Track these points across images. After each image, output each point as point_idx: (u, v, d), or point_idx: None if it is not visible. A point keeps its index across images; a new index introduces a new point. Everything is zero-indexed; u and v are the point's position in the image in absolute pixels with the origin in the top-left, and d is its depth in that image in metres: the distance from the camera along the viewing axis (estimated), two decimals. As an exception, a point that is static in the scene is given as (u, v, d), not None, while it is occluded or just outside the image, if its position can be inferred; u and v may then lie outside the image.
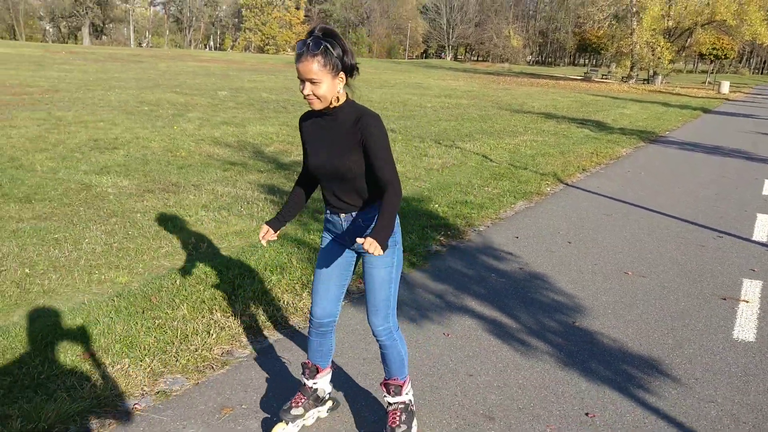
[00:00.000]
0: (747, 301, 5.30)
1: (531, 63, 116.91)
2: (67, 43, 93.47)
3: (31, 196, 7.10)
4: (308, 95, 2.65)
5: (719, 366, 4.13)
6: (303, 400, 3.17)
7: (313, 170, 2.88)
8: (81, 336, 3.92)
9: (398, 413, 3.10)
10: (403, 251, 5.86)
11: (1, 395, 3.25)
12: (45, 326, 4.04)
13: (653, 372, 3.99)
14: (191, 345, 3.94)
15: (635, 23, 52.17)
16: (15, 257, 5.27)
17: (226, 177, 8.70)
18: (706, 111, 27.98)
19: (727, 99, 39.55)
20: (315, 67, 2.57)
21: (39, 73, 25.04)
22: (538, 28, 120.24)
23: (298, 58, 2.60)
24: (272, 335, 4.25)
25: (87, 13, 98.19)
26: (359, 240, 2.57)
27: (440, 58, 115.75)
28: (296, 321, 4.44)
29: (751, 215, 8.36)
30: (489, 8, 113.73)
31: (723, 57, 61.12)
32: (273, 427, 3.14)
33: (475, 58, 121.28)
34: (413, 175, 9.52)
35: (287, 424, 3.13)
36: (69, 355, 3.69)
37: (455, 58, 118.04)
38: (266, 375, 3.73)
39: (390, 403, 3.13)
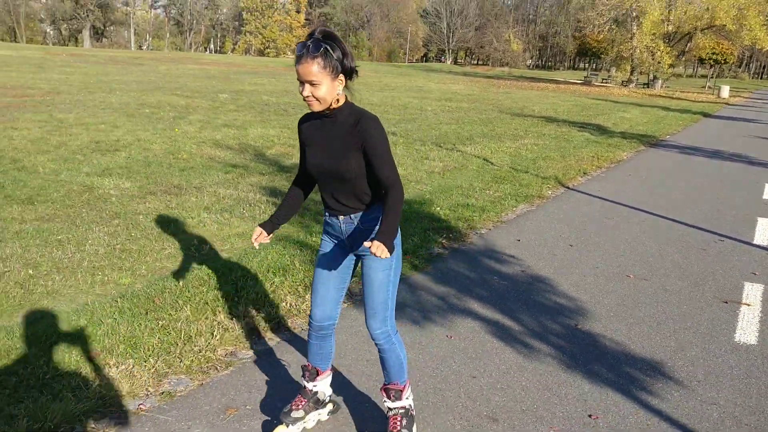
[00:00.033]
0: (748, 305, 5.31)
1: (531, 67, 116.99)
2: (67, 45, 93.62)
3: (34, 197, 7.11)
4: (307, 97, 2.65)
5: (721, 368, 4.14)
6: (303, 403, 3.17)
7: (311, 171, 2.89)
8: (85, 337, 3.93)
9: (399, 418, 3.10)
10: (406, 254, 5.90)
11: (7, 395, 3.26)
12: (49, 327, 4.05)
13: (656, 374, 4.01)
14: (195, 346, 3.95)
15: (635, 27, 52.26)
16: (18, 258, 5.28)
17: (227, 179, 8.72)
18: (706, 115, 28.02)
19: (727, 103, 39.58)
20: (315, 69, 2.58)
21: (40, 75, 25.08)
22: (539, 32, 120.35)
23: (298, 60, 2.61)
24: (275, 337, 4.26)
25: (88, 15, 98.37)
26: (366, 243, 2.59)
27: (440, 61, 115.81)
28: (299, 323, 4.46)
29: (752, 219, 8.38)
30: (489, 12, 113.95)
31: (723, 62, 61.26)
32: (273, 429, 3.14)
33: (475, 62, 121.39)
34: (414, 178, 9.54)
35: (287, 426, 3.13)
36: (73, 355, 3.71)
37: (455, 62, 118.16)
38: (270, 376, 3.74)
39: (390, 408, 3.12)
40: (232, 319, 4.36)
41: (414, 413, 3.20)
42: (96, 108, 15.46)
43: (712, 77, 71.67)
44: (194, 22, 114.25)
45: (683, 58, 58.40)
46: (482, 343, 4.33)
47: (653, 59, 51.21)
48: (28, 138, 10.66)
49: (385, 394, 3.13)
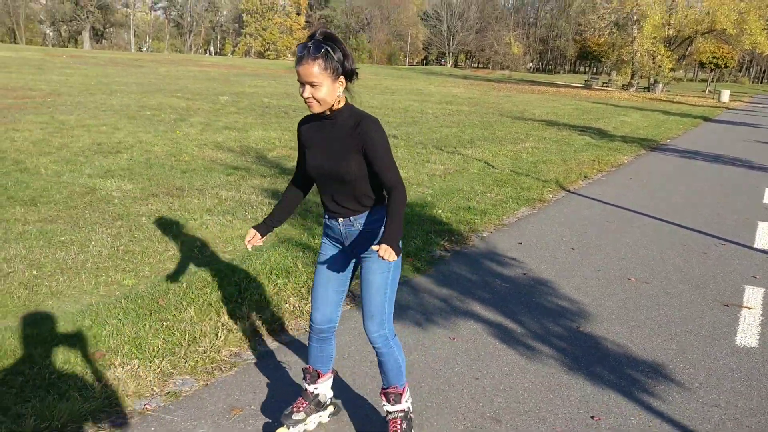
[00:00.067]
0: (749, 308, 5.33)
1: (531, 70, 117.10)
2: (67, 47, 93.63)
3: (37, 199, 7.13)
4: (308, 98, 2.66)
5: (722, 371, 4.17)
6: (304, 405, 3.18)
7: (311, 173, 2.90)
8: (90, 337, 3.95)
9: (398, 422, 3.10)
10: (408, 256, 5.92)
11: (14, 394, 3.29)
12: (54, 327, 4.07)
13: (657, 376, 4.03)
14: (199, 347, 3.97)
15: (636, 31, 52.30)
16: (22, 259, 5.30)
17: (229, 181, 8.74)
18: (706, 119, 28.05)
19: (727, 108, 39.63)
20: (315, 70, 2.59)
21: (40, 76, 25.11)
22: (539, 36, 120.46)
23: (299, 61, 2.62)
24: (279, 338, 4.29)
25: (88, 17, 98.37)
26: (373, 247, 2.60)
27: (440, 64, 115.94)
28: (303, 324, 4.48)
29: (752, 223, 8.40)
30: (490, 15, 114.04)
31: (723, 66, 61.34)
32: (275, 431, 3.16)
33: (476, 65, 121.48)
34: (416, 181, 9.56)
35: (288, 428, 3.14)
36: (79, 355, 3.73)
37: (455, 65, 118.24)
38: (274, 377, 3.76)
39: (389, 412, 3.13)
40: (236, 320, 4.38)
41: (413, 416, 3.21)
42: (97, 110, 15.49)
43: (712, 81, 71.74)
44: (194, 24, 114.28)
45: (684, 62, 58.40)
46: (485, 345, 4.36)
47: (654, 63, 51.25)
48: (29, 139, 10.68)
49: (384, 398, 3.13)
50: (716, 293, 5.65)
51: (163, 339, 4.01)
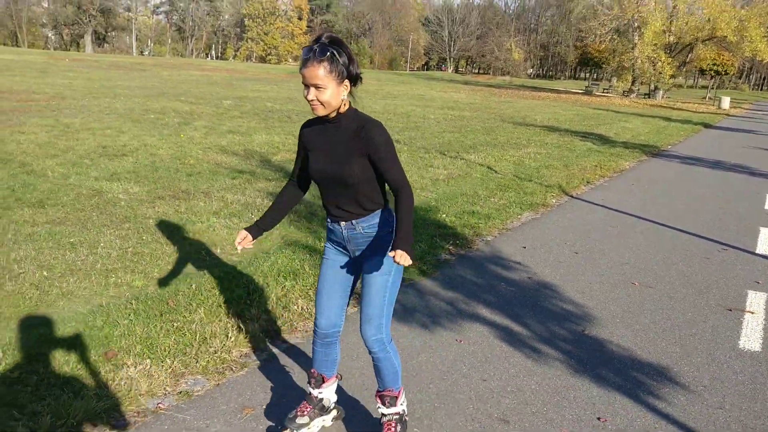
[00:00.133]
0: (752, 312, 5.38)
1: (532, 76, 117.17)
2: (69, 50, 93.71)
3: (44, 201, 7.18)
4: (312, 100, 2.68)
5: (726, 374, 4.21)
6: (308, 410, 3.18)
7: (314, 176, 2.91)
8: (102, 337, 4.00)
9: (393, 424, 3.11)
10: (414, 259, 5.96)
11: (29, 392, 3.33)
12: (66, 327, 4.12)
13: (662, 379, 4.08)
14: (210, 347, 4.02)
15: (637, 38, 52.46)
16: (32, 260, 5.35)
17: (234, 185, 8.79)
18: (707, 126, 28.14)
19: (727, 114, 39.71)
20: (321, 72, 2.61)
21: (44, 80, 25.18)
22: (540, 42, 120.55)
23: (304, 63, 2.64)
24: (288, 339, 4.33)
25: (90, 21, 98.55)
26: (389, 254, 2.64)
27: (441, 70, 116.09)
28: (311, 326, 4.52)
29: (754, 229, 8.45)
30: (491, 21, 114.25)
31: (723, 73, 61.46)
32: None
33: (476, 71, 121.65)
34: (420, 185, 9.61)
35: None
36: (92, 355, 3.77)
37: (456, 71, 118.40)
38: (285, 378, 3.81)
39: (384, 415, 3.13)
40: (245, 321, 4.42)
41: (407, 419, 3.23)
42: (101, 113, 15.55)
43: (712, 88, 71.88)
44: (196, 28, 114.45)
45: (684, 69, 58.57)
46: (491, 347, 4.40)
47: (654, 69, 51.40)
48: (35, 142, 10.74)
49: (379, 401, 3.13)
50: (719, 298, 5.69)
51: (174, 339, 4.06)
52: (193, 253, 5.87)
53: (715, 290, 5.90)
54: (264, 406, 3.47)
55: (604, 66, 71.15)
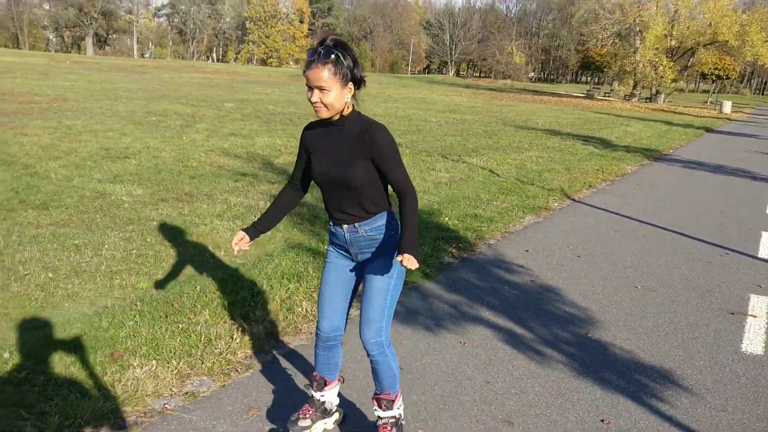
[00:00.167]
0: (755, 316, 5.40)
1: (533, 80, 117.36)
2: (70, 52, 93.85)
3: (48, 203, 7.20)
4: (316, 103, 2.68)
5: (729, 377, 4.23)
6: (311, 413, 3.18)
7: (317, 179, 2.91)
8: (108, 338, 4.02)
9: (389, 428, 3.12)
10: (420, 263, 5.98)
11: (36, 392, 3.36)
12: (72, 328, 4.14)
13: (665, 382, 4.09)
14: (215, 349, 4.04)
15: (638, 42, 52.54)
16: (37, 262, 5.37)
17: (237, 187, 8.81)
18: (708, 130, 28.15)
19: (729, 119, 39.73)
20: (325, 74, 2.62)
21: (45, 82, 25.23)
22: (541, 45, 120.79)
23: (309, 65, 2.64)
24: (292, 341, 4.36)
25: (91, 23, 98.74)
26: (397, 258, 2.65)
27: (442, 73, 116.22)
28: (315, 328, 4.53)
29: (756, 233, 8.47)
30: (492, 25, 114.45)
31: (725, 77, 61.42)
32: None
33: (478, 74, 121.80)
34: (422, 188, 9.63)
35: None
36: (98, 356, 3.79)
37: (457, 74, 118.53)
38: (290, 379, 3.83)
39: (380, 417, 3.13)
40: (250, 323, 4.45)
41: (404, 423, 3.23)
42: (103, 115, 15.58)
43: (713, 92, 71.85)
44: (197, 31, 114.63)
45: (686, 73, 58.63)
46: (495, 349, 4.42)
47: (656, 74, 51.45)
48: (38, 144, 10.76)
49: (376, 404, 3.14)
50: (722, 301, 5.71)
51: (180, 341, 4.08)
52: (196, 255, 5.89)
53: (718, 294, 5.92)
54: (270, 408, 3.49)
55: (605, 70, 71.03)
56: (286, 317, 4.64)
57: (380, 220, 2.93)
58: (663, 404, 3.80)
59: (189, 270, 5.48)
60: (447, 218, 7.83)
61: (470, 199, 9.08)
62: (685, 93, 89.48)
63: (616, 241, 7.59)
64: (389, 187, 2.92)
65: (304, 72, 2.67)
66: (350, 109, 2.80)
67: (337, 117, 2.78)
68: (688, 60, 55.16)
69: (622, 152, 16.62)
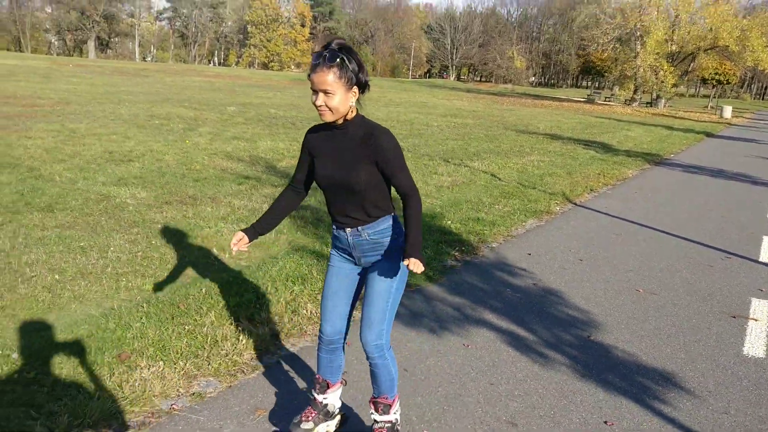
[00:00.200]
0: (756, 320, 5.43)
1: (534, 84, 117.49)
2: (72, 56, 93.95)
3: (53, 205, 7.24)
4: (320, 106, 2.67)
5: (731, 380, 4.26)
6: (313, 415, 3.20)
7: (321, 183, 2.91)
8: (115, 339, 4.05)
9: None
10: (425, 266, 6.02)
11: (46, 393, 3.39)
12: (79, 329, 4.17)
13: (668, 384, 4.13)
14: (221, 350, 4.07)
15: (639, 47, 52.60)
16: (43, 264, 5.41)
17: (241, 190, 8.85)
18: (709, 135, 28.20)
19: (729, 124, 39.78)
20: (330, 78, 2.62)
21: (48, 85, 25.28)
22: (542, 50, 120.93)
23: (313, 68, 2.64)
24: (297, 342, 4.39)
25: (93, 26, 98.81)
26: (404, 262, 2.68)
27: (443, 77, 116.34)
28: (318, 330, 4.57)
29: (757, 237, 8.50)
30: (493, 29, 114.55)
31: (725, 82, 61.56)
32: None
33: (479, 79, 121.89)
34: (424, 192, 9.66)
35: None
36: (105, 356, 3.83)
37: (458, 78, 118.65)
38: (295, 381, 3.86)
39: (376, 421, 3.14)
40: (255, 324, 4.48)
41: (399, 428, 3.23)
42: (106, 119, 15.63)
43: (714, 97, 71.98)
44: (199, 34, 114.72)
45: (686, 78, 58.73)
46: (498, 352, 4.46)
47: (657, 78, 51.55)
48: (42, 147, 10.81)
49: (373, 407, 3.14)
50: (723, 305, 5.75)
51: (186, 342, 4.11)
52: (201, 257, 5.93)
53: (719, 297, 5.95)
54: (276, 409, 3.52)
55: (606, 74, 71.24)
56: (291, 319, 4.67)
57: (383, 224, 2.94)
58: (666, 406, 3.84)
59: (194, 272, 5.52)
60: (449, 221, 7.87)
61: (472, 203, 9.12)
62: (686, 98, 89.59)
63: (617, 244, 7.63)
64: (392, 190, 2.94)
65: (309, 75, 2.67)
66: (354, 113, 2.80)
67: (341, 121, 2.78)
68: (689, 65, 55.29)
69: (623, 157, 16.66)
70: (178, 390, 3.60)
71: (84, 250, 5.82)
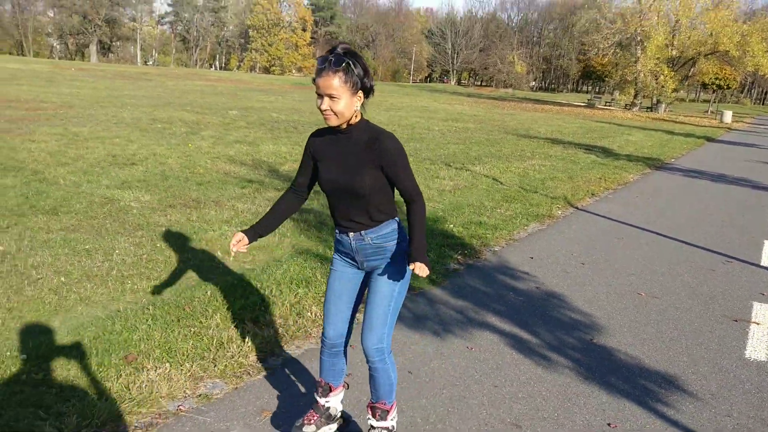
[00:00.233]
0: (758, 323, 5.46)
1: (534, 89, 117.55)
2: (74, 59, 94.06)
3: (58, 208, 7.27)
4: (326, 110, 2.68)
5: (733, 383, 4.29)
6: (315, 418, 3.20)
7: (325, 187, 2.92)
8: (122, 341, 4.08)
9: None
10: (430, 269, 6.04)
11: (54, 394, 3.42)
12: (86, 331, 4.20)
13: (670, 387, 4.15)
14: (227, 352, 4.10)
15: (639, 52, 52.64)
16: (49, 266, 5.44)
17: (244, 194, 8.88)
18: (709, 140, 28.24)
19: (729, 128, 39.83)
20: (335, 82, 2.62)
21: (50, 89, 25.35)
22: (542, 55, 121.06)
23: (319, 73, 2.65)
24: (303, 344, 4.42)
25: (95, 30, 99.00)
26: (410, 267, 2.70)
27: (443, 82, 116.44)
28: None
29: (758, 241, 8.53)
30: (494, 34, 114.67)
31: (725, 87, 61.54)
32: None
33: (479, 83, 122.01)
34: (426, 196, 9.69)
35: None
36: (112, 358, 3.85)
37: (459, 83, 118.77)
38: (300, 383, 3.89)
39: (373, 427, 3.13)
40: (260, 327, 4.51)
41: None
42: (109, 122, 15.67)
43: (714, 102, 71.98)
44: (200, 38, 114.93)
45: (686, 83, 58.73)
46: (502, 354, 4.48)
47: (657, 83, 51.56)
48: (46, 150, 10.85)
49: (370, 412, 3.14)
50: (725, 309, 5.77)
51: (192, 344, 4.14)
52: (206, 260, 5.96)
53: (721, 301, 5.98)
54: (281, 411, 3.55)
55: (606, 79, 71.25)
56: (296, 321, 4.70)
57: (386, 228, 2.95)
58: (668, 409, 3.86)
59: (199, 275, 5.55)
60: (452, 225, 7.90)
61: (474, 207, 9.15)
62: (686, 102, 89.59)
63: (619, 248, 7.66)
64: (395, 194, 2.96)
65: (314, 79, 2.68)
66: (359, 118, 2.81)
67: (345, 125, 2.79)
68: (689, 70, 55.30)
69: (624, 161, 16.70)
70: (184, 391, 3.63)
71: (89, 253, 5.86)
